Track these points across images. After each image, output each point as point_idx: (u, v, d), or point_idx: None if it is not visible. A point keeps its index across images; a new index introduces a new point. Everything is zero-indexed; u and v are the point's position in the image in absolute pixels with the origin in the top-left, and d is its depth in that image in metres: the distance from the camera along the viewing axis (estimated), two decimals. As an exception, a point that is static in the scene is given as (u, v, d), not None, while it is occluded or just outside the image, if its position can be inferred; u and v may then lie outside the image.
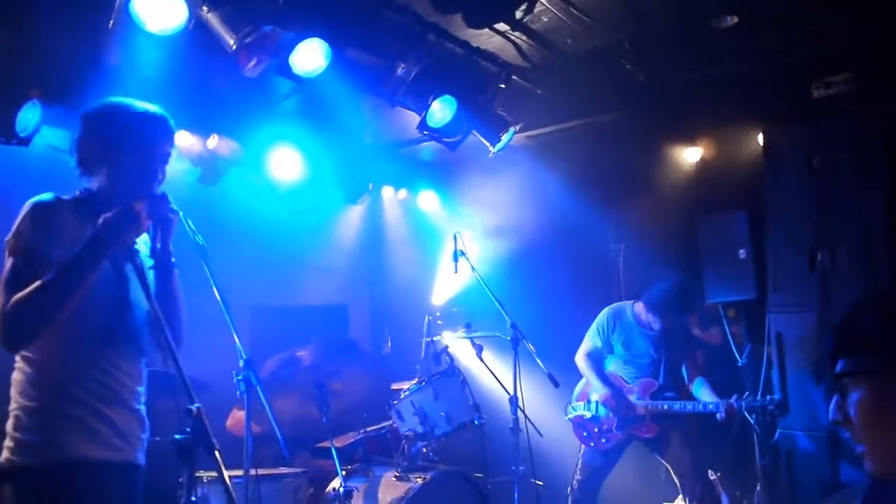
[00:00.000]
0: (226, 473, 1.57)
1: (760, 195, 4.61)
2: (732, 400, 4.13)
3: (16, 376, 2.03)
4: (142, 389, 2.21)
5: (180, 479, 1.58)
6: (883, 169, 4.14)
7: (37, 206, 2.08)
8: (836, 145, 4.35)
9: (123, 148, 2.16)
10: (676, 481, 4.33)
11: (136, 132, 2.17)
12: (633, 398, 4.44)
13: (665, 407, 4.35)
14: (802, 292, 4.34)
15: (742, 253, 4.77)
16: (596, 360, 4.65)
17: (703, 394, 4.34)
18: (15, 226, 2.06)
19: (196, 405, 1.63)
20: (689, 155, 5.65)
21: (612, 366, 4.63)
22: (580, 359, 4.65)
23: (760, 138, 4.79)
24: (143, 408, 2.19)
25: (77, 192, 2.22)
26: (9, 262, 2.01)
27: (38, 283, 1.91)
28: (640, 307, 4.56)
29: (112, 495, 2.02)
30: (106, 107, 2.22)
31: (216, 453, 1.60)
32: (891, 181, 4.11)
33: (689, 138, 5.57)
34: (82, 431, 1.99)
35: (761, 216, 4.61)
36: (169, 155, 2.29)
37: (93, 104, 2.24)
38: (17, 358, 2.03)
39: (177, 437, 1.60)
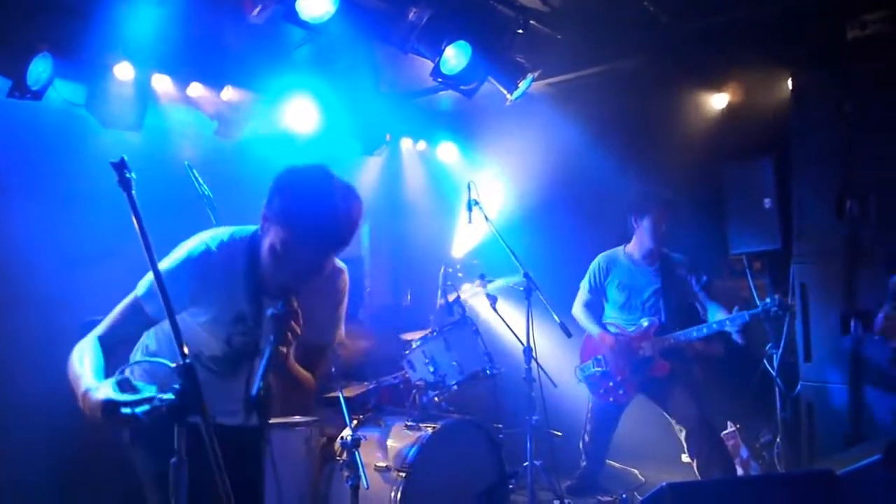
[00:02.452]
0: (212, 427, 1.54)
1: (787, 142, 4.45)
2: (733, 314, 4.07)
3: None
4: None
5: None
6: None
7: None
8: (868, 89, 4.16)
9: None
10: (682, 438, 4.28)
11: (304, 235, 1.96)
12: (636, 339, 4.38)
13: (671, 340, 4.29)
14: (828, 241, 4.22)
15: (767, 202, 4.64)
16: (593, 309, 4.61)
17: (718, 317, 4.23)
18: None
19: (185, 361, 1.58)
20: (715, 101, 5.47)
21: (611, 315, 4.58)
22: (577, 310, 4.61)
23: (789, 83, 4.60)
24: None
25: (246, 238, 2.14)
26: None
27: None
28: (631, 245, 4.52)
29: None
30: (298, 190, 1.99)
31: (205, 413, 1.55)
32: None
33: (714, 84, 5.39)
34: None
35: (788, 164, 4.46)
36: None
37: (295, 172, 2.03)
38: None
39: (164, 395, 1.57)
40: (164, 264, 2.03)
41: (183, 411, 1.54)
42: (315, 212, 1.94)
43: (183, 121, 4.53)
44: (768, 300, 4.04)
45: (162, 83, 4.24)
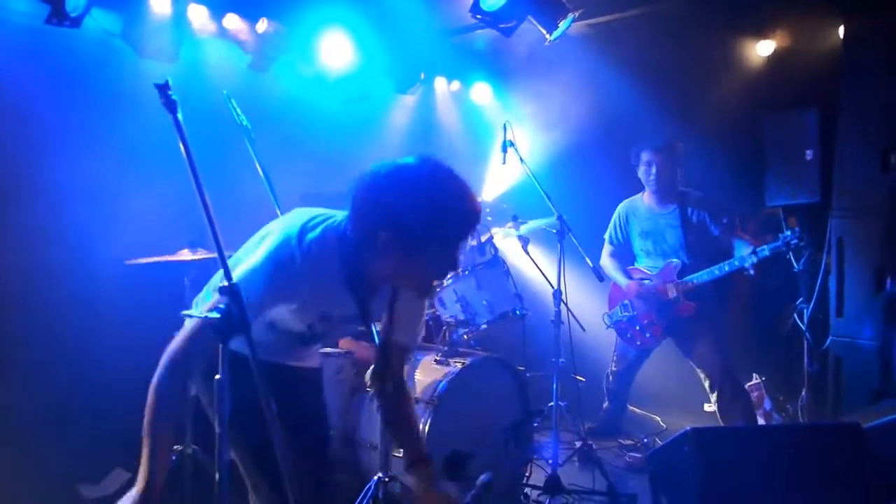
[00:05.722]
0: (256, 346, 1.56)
1: (834, 93, 4.32)
2: (750, 251, 4.05)
3: None
4: None
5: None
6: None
7: None
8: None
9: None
10: (706, 385, 4.29)
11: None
12: (660, 283, 4.36)
13: (694, 282, 4.27)
14: (870, 196, 4.13)
15: (809, 154, 4.53)
16: (619, 259, 4.63)
17: (742, 252, 4.17)
18: None
19: (231, 281, 1.58)
20: (760, 48, 5.30)
21: (640, 263, 4.57)
22: (604, 261, 4.63)
23: (841, 31, 4.44)
24: None
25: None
26: None
27: None
28: (646, 194, 4.50)
29: None
30: (439, 201, 1.83)
31: (249, 332, 1.56)
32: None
33: (761, 30, 5.21)
34: None
35: (833, 116, 4.34)
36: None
37: (419, 183, 1.86)
38: None
39: (210, 315, 1.57)
40: (243, 266, 1.88)
41: (228, 331, 1.57)
42: (464, 211, 1.83)
43: (217, 53, 4.51)
44: (788, 232, 4.00)
45: (198, 14, 4.20)
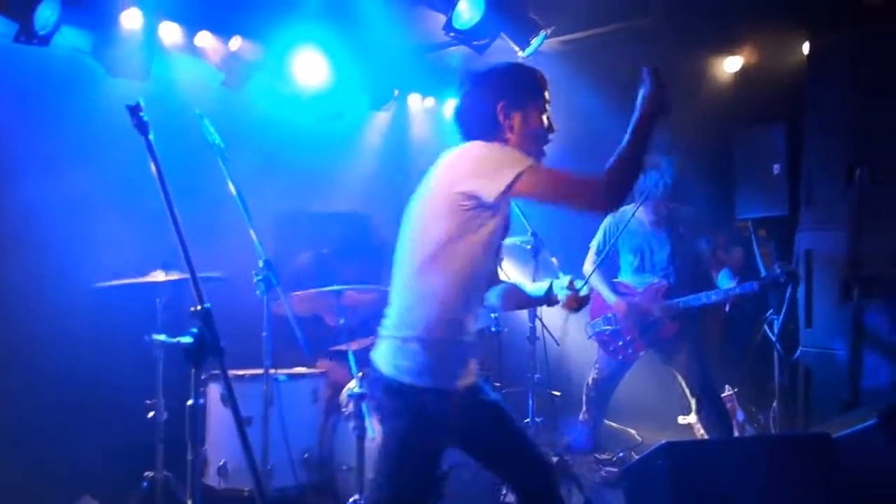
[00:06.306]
0: (230, 376, 1.57)
1: (800, 108, 4.42)
2: (736, 286, 4.07)
3: (415, 311, 2.12)
4: None
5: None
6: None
7: None
8: (884, 56, 4.11)
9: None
10: (686, 392, 4.33)
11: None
12: (645, 303, 4.39)
13: (681, 305, 4.30)
14: (836, 208, 4.22)
15: (776, 168, 4.62)
16: (604, 271, 4.60)
17: (725, 284, 4.20)
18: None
19: (204, 305, 1.59)
20: (729, 64, 5.40)
21: (625, 277, 4.59)
22: (589, 268, 4.57)
23: (805, 47, 4.55)
24: None
25: None
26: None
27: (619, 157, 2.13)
28: (639, 208, 4.48)
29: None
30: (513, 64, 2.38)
31: (222, 357, 1.58)
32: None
33: (729, 46, 5.32)
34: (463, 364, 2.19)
35: (799, 130, 4.43)
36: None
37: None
38: (417, 296, 2.12)
39: (183, 340, 1.58)
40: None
41: (200, 356, 1.56)
42: (530, 69, 2.32)
43: (190, 71, 4.49)
44: (777, 269, 4.03)
45: (170, 31, 4.19)
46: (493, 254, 2.25)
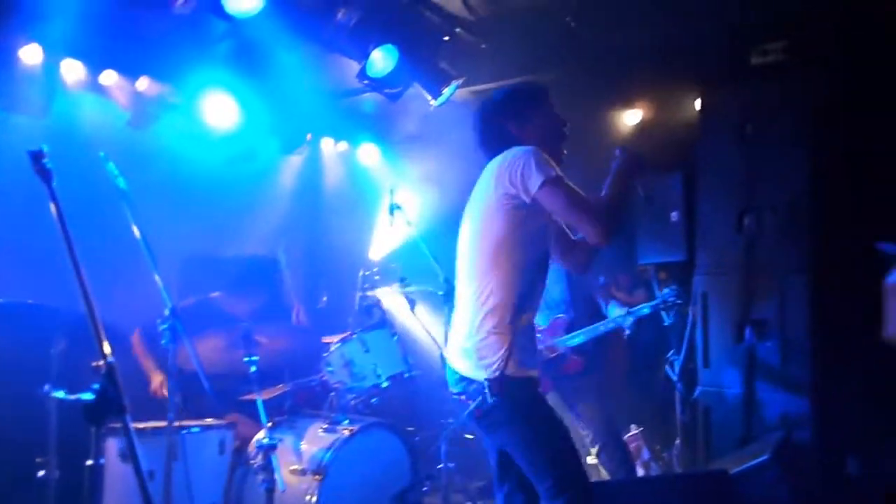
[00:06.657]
0: (133, 431, 1.51)
1: (695, 159, 4.69)
2: (626, 311, 4.24)
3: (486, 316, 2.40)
4: None
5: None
6: (809, 134, 4.25)
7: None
8: (768, 112, 4.43)
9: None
10: (586, 440, 4.39)
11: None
12: (548, 340, 4.43)
13: (580, 339, 4.38)
14: (728, 254, 4.47)
15: (674, 215, 4.86)
16: None
17: (615, 314, 4.36)
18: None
19: (107, 360, 1.52)
20: (629, 117, 5.70)
21: None
22: None
23: (698, 102, 4.85)
24: None
25: None
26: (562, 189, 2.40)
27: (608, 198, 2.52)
28: None
29: None
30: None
31: (125, 416, 1.52)
32: (816, 146, 4.22)
33: (629, 100, 5.61)
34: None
35: (695, 179, 4.70)
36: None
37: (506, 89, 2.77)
38: (488, 293, 2.40)
39: (83, 397, 1.50)
40: None
41: (102, 414, 1.49)
42: (531, 85, 2.80)
43: (94, 109, 4.35)
44: (666, 290, 4.23)
45: (72, 69, 4.07)
46: (548, 241, 2.57)
